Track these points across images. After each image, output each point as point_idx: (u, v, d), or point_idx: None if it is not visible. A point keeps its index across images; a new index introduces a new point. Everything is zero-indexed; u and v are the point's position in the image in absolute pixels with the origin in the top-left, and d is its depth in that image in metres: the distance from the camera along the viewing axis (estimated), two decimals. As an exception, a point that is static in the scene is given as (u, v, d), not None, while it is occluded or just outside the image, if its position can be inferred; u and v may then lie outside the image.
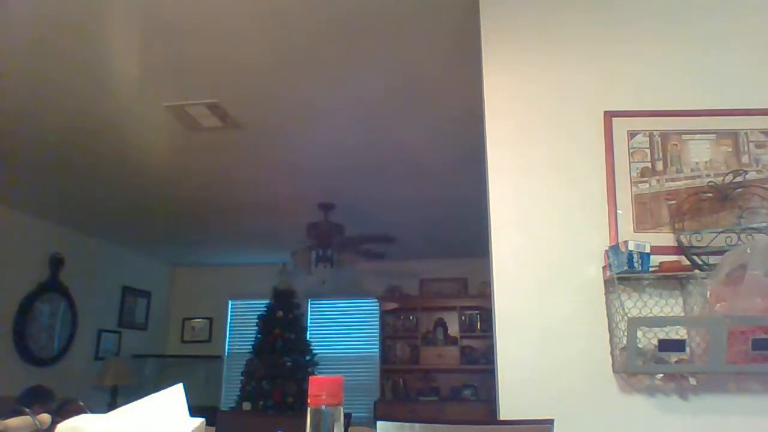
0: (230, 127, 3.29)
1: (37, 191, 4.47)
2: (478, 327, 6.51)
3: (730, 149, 1.73)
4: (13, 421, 1.04)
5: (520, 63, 1.92)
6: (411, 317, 6.74)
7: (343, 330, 7.10)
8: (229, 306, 7.36)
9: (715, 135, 1.74)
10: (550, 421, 1.32)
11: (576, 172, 1.78)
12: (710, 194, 1.67)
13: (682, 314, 1.63)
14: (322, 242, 4.92)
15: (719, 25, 1.87)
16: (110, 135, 3.43)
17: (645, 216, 1.70)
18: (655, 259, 1.59)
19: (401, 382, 6.54)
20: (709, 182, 1.69)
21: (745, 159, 1.72)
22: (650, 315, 1.61)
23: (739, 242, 1.59)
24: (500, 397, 1.66)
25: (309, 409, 0.68)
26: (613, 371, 1.61)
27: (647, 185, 1.72)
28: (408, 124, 3.27)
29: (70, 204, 4.82)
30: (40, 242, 5.19)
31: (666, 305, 1.64)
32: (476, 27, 2.00)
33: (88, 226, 5.51)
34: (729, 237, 1.60)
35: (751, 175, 1.69)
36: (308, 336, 6.49)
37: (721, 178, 1.69)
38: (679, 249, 1.62)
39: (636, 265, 1.54)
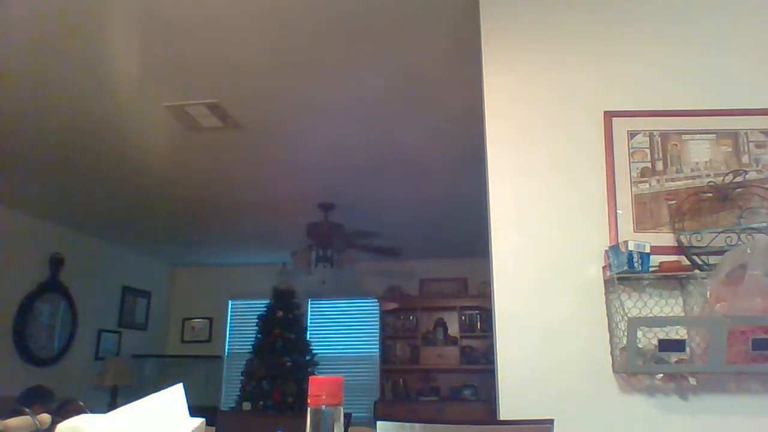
0: (230, 127, 3.29)
1: (37, 191, 4.47)
2: (478, 327, 6.51)
3: (730, 149, 1.73)
4: (13, 421, 1.04)
5: (520, 63, 1.92)
6: (411, 317, 6.74)
7: (343, 330, 7.10)
8: (229, 306, 7.36)
9: (715, 135, 1.74)
10: (550, 421, 1.32)
11: (576, 172, 1.78)
12: (710, 194, 1.67)
13: (682, 314, 1.63)
14: (322, 242, 4.92)
15: (719, 25, 1.87)
16: (110, 135, 3.43)
17: (645, 216, 1.70)
18: (655, 259, 1.59)
19: (401, 382, 6.54)
20: (709, 182, 1.69)
21: (745, 159, 1.72)
22: (650, 315, 1.61)
23: (739, 242, 1.59)
24: (500, 397, 1.66)
25: (309, 409, 0.68)
26: (613, 371, 1.61)
27: (647, 185, 1.72)
28: (408, 124, 3.27)
29: (70, 204, 4.82)
30: (40, 242, 5.19)
31: (666, 305, 1.64)
32: (476, 27, 2.00)
33: (88, 226, 5.51)
34: (729, 237, 1.60)
35: (751, 175, 1.69)
36: (308, 336, 6.49)
37: (721, 178, 1.69)
38: (679, 249, 1.62)
39: (636, 265, 1.54)
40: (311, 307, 7.16)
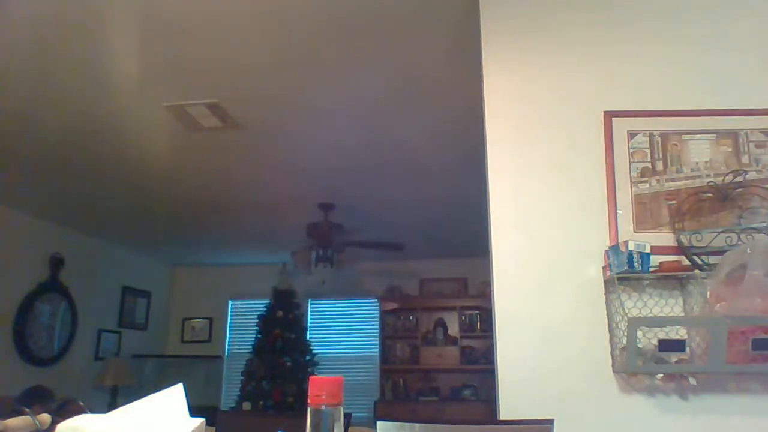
0: (230, 127, 3.29)
1: (37, 191, 4.47)
2: (478, 327, 6.51)
3: (730, 149, 1.73)
4: (13, 421, 1.04)
5: (520, 63, 1.92)
6: (411, 317, 6.74)
7: (343, 330, 7.10)
8: (229, 306, 7.36)
9: (715, 135, 1.74)
10: (550, 421, 1.32)
11: (576, 172, 1.78)
12: (710, 194, 1.67)
13: (682, 314, 1.63)
14: (322, 242, 4.92)
15: (719, 25, 1.87)
16: (110, 135, 3.43)
17: (645, 216, 1.70)
18: (655, 259, 1.59)
19: (401, 382, 6.54)
20: (709, 182, 1.69)
21: (745, 159, 1.72)
22: (650, 315, 1.61)
23: (739, 242, 1.59)
24: (500, 397, 1.66)
25: (309, 409, 0.68)
26: (613, 371, 1.61)
27: (647, 185, 1.72)
28: (408, 124, 3.27)
29: (70, 204, 4.82)
30: (40, 242, 5.19)
31: (666, 305, 1.64)
32: (476, 27, 2.00)
33: (88, 226, 5.51)
34: (729, 237, 1.60)
35: (751, 175, 1.69)
36: (308, 336, 6.49)
37: (721, 178, 1.69)
38: (679, 249, 1.62)
39: (636, 265, 1.54)
40: (311, 307, 7.16)
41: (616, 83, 1.84)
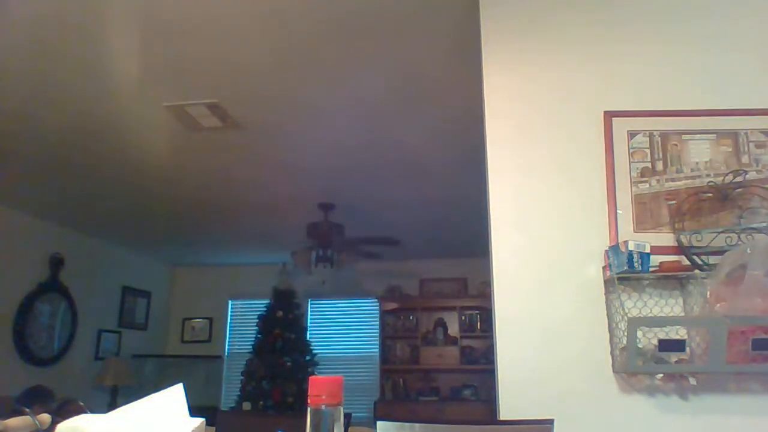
0: (230, 127, 3.29)
1: (37, 191, 4.47)
2: (478, 327, 6.51)
3: (730, 149, 1.73)
4: (13, 421, 1.04)
5: (520, 63, 1.92)
6: (411, 317, 6.74)
7: (343, 330, 7.10)
8: (229, 306, 7.36)
9: (715, 135, 1.74)
10: (550, 421, 1.32)
11: (576, 172, 1.78)
12: (710, 194, 1.67)
13: (682, 314, 1.63)
14: (322, 242, 4.92)
15: (719, 25, 1.87)
16: (110, 135, 3.43)
17: (645, 216, 1.70)
18: (655, 259, 1.59)
19: (401, 382, 6.54)
20: (709, 182, 1.69)
21: (745, 159, 1.72)
22: (650, 315, 1.61)
23: (739, 242, 1.58)
24: (500, 397, 1.66)
25: (309, 409, 0.68)
26: (613, 371, 1.61)
27: (647, 185, 1.72)
28: (408, 124, 3.27)
29: (70, 204, 4.82)
30: (40, 242, 5.19)
31: (666, 305, 1.64)
32: (476, 27, 2.00)
33: (88, 226, 5.51)
34: (729, 237, 1.60)
35: (751, 175, 1.69)
36: (308, 336, 6.49)
37: (721, 178, 1.69)
38: (679, 249, 1.62)
39: (636, 265, 1.54)
40: (311, 307, 7.16)
41: (616, 83, 1.84)
